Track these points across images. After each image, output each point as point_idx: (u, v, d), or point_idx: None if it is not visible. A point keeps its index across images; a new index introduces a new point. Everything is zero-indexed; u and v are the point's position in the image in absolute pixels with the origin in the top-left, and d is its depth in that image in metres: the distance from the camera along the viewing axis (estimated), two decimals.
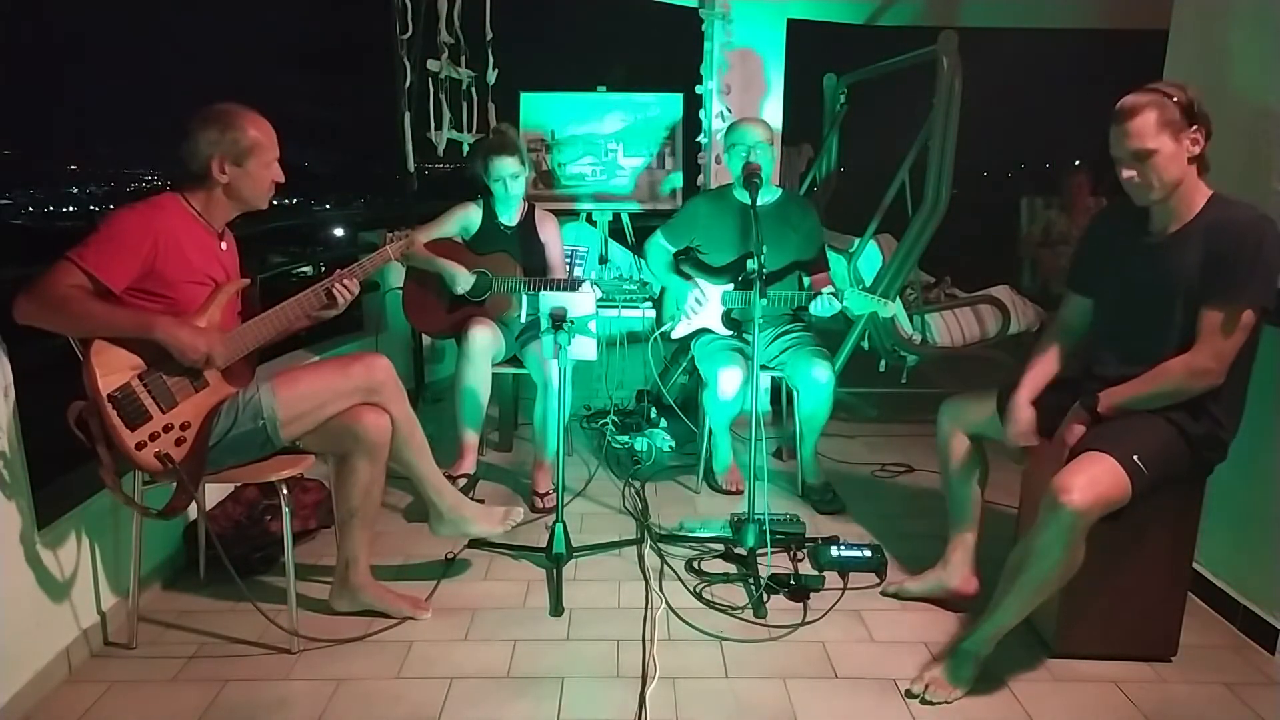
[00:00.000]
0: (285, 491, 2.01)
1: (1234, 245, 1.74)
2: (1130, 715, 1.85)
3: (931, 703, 1.85)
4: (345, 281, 2.10)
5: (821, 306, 2.70)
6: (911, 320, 3.76)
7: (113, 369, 1.81)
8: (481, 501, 2.90)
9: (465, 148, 3.92)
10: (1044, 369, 2.06)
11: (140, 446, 1.83)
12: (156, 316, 1.82)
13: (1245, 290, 1.73)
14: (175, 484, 1.91)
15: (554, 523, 2.33)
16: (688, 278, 2.96)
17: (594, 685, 1.92)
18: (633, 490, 3.05)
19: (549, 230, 3.12)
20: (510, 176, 2.95)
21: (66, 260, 1.73)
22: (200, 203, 1.97)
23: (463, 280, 2.92)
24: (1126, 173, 1.83)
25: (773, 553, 2.48)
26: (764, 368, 2.90)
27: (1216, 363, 1.77)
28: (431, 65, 3.69)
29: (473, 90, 3.86)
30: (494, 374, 2.95)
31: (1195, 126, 1.76)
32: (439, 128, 3.79)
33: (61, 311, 1.73)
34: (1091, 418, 1.87)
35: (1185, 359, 1.79)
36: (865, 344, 3.79)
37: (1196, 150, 1.78)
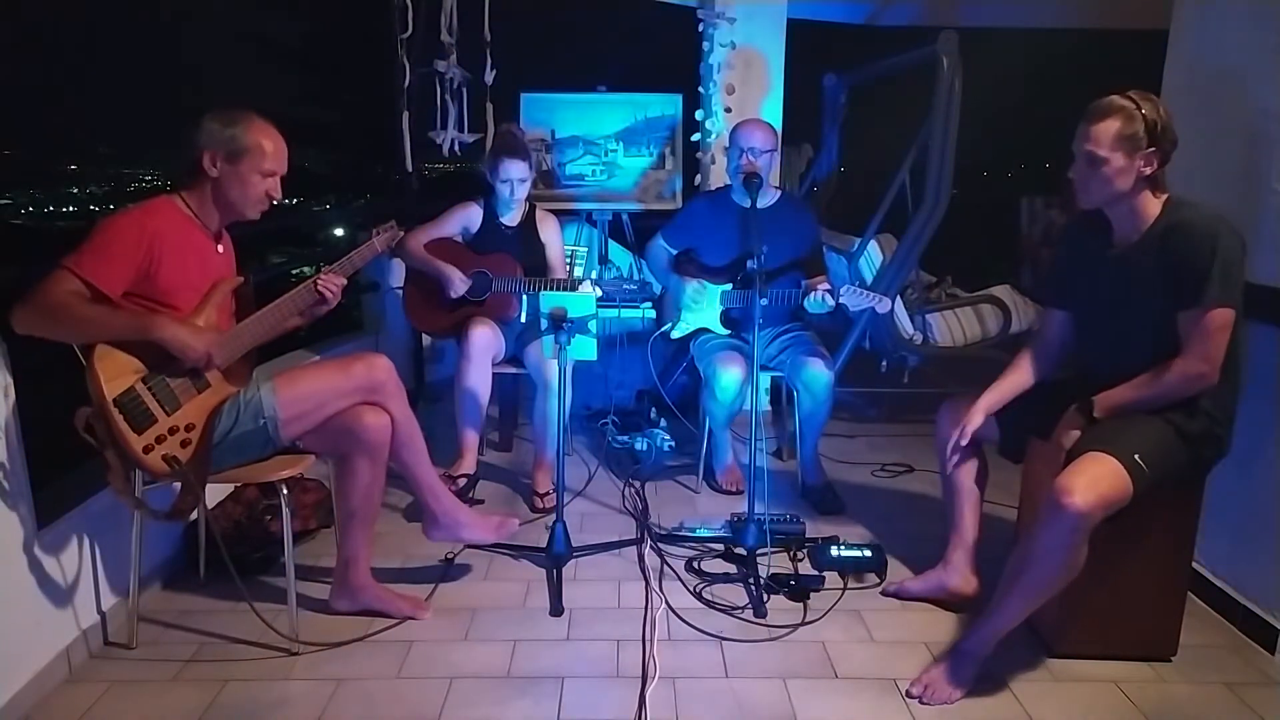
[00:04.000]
0: (285, 491, 2.01)
1: (1190, 250, 1.76)
2: (1130, 715, 1.85)
3: (931, 703, 1.85)
4: (333, 277, 2.10)
5: (815, 304, 2.70)
6: (912, 320, 3.75)
7: (116, 373, 1.80)
8: (481, 502, 2.91)
9: (459, 147, 3.92)
10: (1014, 381, 2.11)
11: (148, 450, 1.83)
12: (155, 317, 1.82)
13: (1210, 291, 1.74)
14: (180, 485, 1.91)
15: (554, 523, 2.33)
16: (690, 276, 2.96)
17: (594, 685, 1.92)
18: (633, 490, 3.05)
19: (549, 230, 3.12)
20: (519, 180, 2.95)
21: (62, 268, 1.73)
22: (196, 203, 1.96)
23: (457, 285, 2.92)
24: (1073, 171, 1.87)
25: (773, 553, 2.48)
26: (764, 367, 2.91)
27: (1207, 365, 1.78)
28: (439, 66, 3.69)
29: (464, 90, 3.86)
30: (494, 374, 2.96)
31: (1154, 148, 1.77)
32: (444, 127, 3.79)
33: (59, 319, 1.73)
34: (1087, 421, 1.88)
35: (1179, 365, 1.80)
36: (867, 344, 3.79)
37: (1148, 171, 1.79)
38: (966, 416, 2.13)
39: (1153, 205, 1.85)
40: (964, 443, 2.14)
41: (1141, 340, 1.87)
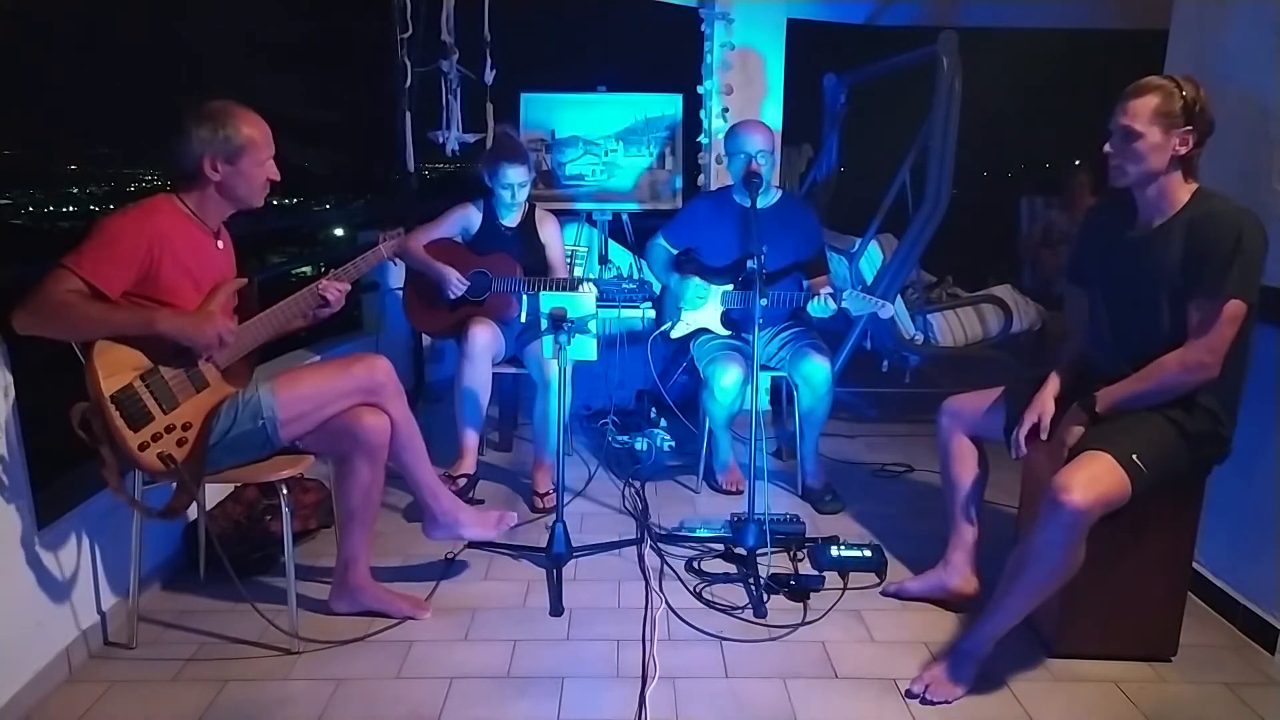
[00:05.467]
0: (285, 491, 2.01)
1: (1214, 239, 1.75)
2: (1130, 715, 1.85)
3: (931, 703, 1.85)
4: (337, 282, 2.11)
5: (818, 308, 2.70)
6: (913, 320, 3.75)
7: (114, 370, 1.80)
8: (481, 502, 2.91)
9: (459, 146, 3.92)
10: (1070, 370, 2.04)
11: (143, 447, 1.83)
12: (158, 310, 1.82)
13: (1227, 283, 1.73)
14: (176, 484, 1.91)
15: (554, 523, 2.33)
16: (691, 276, 2.96)
17: (594, 685, 1.93)
18: (633, 490, 3.05)
19: (549, 230, 3.12)
20: (519, 185, 2.96)
21: (61, 267, 1.72)
22: (194, 202, 1.96)
23: (455, 286, 2.92)
24: (1108, 146, 1.85)
25: (773, 553, 2.48)
26: (764, 367, 2.91)
27: (1210, 356, 1.77)
28: (443, 65, 3.69)
29: (459, 89, 3.86)
30: (494, 374, 2.96)
31: (1190, 127, 1.76)
32: (447, 127, 3.79)
33: (61, 319, 1.73)
34: (1090, 417, 1.87)
35: (1179, 355, 1.79)
36: (868, 344, 3.79)
37: (1183, 151, 1.78)
38: (1039, 405, 1.97)
39: (1182, 191, 1.83)
40: (1045, 437, 1.97)
41: (1154, 328, 1.85)
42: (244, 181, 1.95)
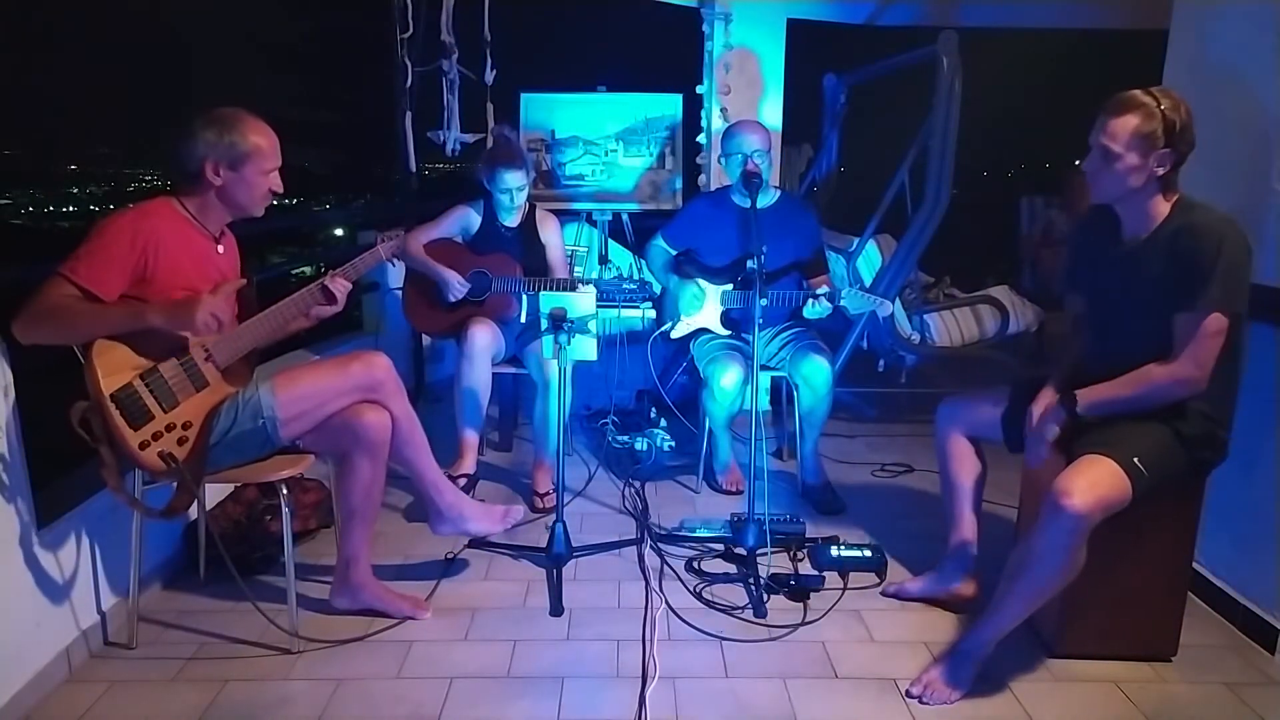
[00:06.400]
0: (285, 491, 2.01)
1: (1195, 252, 1.74)
2: (1130, 715, 1.85)
3: (931, 703, 1.85)
4: (337, 281, 2.11)
5: (814, 310, 2.70)
6: (910, 320, 3.76)
7: (114, 369, 1.81)
8: (482, 501, 2.91)
9: (460, 146, 3.92)
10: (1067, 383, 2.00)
11: (143, 446, 1.83)
12: (147, 304, 1.81)
13: (1211, 296, 1.72)
14: (176, 484, 1.91)
15: (554, 523, 2.33)
16: (690, 277, 2.96)
17: (594, 685, 1.93)
18: (633, 490, 3.05)
19: (550, 231, 3.12)
20: (517, 189, 2.96)
21: (58, 275, 1.74)
22: (195, 206, 1.96)
23: (455, 289, 2.92)
24: (1087, 163, 1.85)
25: (773, 553, 2.48)
26: (764, 367, 2.91)
27: (1198, 370, 1.77)
28: (444, 65, 3.69)
29: (458, 90, 3.86)
30: (494, 374, 2.96)
31: (1169, 149, 1.74)
32: (448, 127, 3.79)
33: (57, 323, 1.74)
34: (1069, 415, 1.87)
35: (1168, 368, 1.79)
36: (864, 344, 3.79)
37: (1160, 172, 1.77)
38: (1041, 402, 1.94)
39: (1163, 205, 1.83)
40: (1046, 433, 1.91)
41: (1143, 338, 1.85)
42: (245, 189, 1.95)
